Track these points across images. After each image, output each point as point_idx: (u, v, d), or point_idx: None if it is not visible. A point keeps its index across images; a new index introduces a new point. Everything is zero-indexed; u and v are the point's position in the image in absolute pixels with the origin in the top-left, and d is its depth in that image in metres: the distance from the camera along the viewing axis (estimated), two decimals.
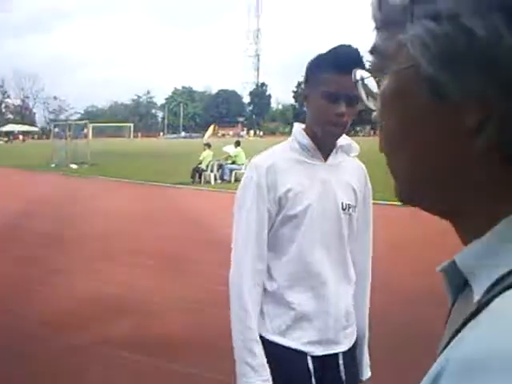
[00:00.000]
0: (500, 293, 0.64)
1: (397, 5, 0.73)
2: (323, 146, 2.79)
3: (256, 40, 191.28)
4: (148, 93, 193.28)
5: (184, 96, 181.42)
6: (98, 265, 10.84)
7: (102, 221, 16.06)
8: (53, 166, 39.26)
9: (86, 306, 8.23)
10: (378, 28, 0.78)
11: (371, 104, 0.84)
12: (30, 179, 31.66)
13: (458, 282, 0.75)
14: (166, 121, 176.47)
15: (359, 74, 0.87)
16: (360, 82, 0.87)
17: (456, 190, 0.73)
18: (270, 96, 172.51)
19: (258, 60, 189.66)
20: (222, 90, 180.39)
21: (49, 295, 8.79)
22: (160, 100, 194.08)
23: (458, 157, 0.71)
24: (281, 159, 2.79)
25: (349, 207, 2.81)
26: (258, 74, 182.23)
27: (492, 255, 0.69)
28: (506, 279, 0.65)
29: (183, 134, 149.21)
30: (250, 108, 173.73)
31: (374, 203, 3.05)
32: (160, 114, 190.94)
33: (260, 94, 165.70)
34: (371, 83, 0.86)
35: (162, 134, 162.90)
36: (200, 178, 26.77)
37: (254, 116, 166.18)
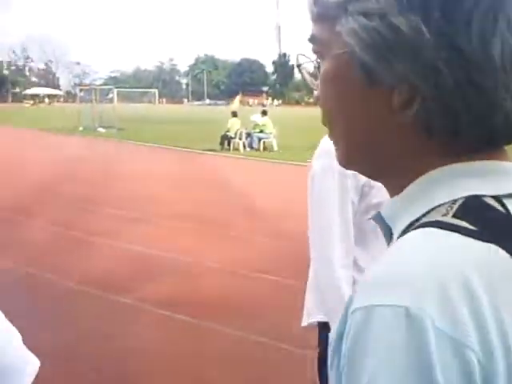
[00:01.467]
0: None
1: (331, 2, 0.86)
2: None
3: (277, 10, 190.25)
4: (171, 60, 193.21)
5: (207, 64, 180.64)
6: (135, 227, 11.05)
7: (135, 184, 16.21)
8: (81, 129, 39.29)
9: (126, 267, 8.45)
10: (314, 20, 0.92)
11: (314, 84, 0.96)
12: (60, 142, 31.79)
13: (387, 230, 0.90)
14: (190, 88, 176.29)
15: (302, 58, 0.99)
16: (302, 65, 0.99)
17: (385, 157, 0.87)
18: (293, 66, 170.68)
19: (279, 30, 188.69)
20: (244, 59, 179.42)
21: (89, 256, 8.99)
22: (183, 67, 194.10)
23: (386, 130, 0.84)
24: None
25: None
26: (279, 44, 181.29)
27: (407, 205, 0.84)
28: (416, 223, 0.80)
29: (208, 101, 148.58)
30: (274, 77, 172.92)
31: None
32: (184, 81, 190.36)
33: (283, 64, 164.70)
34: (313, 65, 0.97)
35: (186, 100, 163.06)
36: (229, 145, 26.82)
37: (277, 85, 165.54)
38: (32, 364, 2.40)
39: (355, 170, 0.96)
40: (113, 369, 5.39)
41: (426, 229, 0.77)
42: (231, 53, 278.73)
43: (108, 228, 10.83)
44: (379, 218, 0.90)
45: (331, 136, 0.94)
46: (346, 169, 0.97)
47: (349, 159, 0.93)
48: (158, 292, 7.34)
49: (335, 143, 0.94)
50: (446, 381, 0.67)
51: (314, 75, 0.97)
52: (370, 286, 0.75)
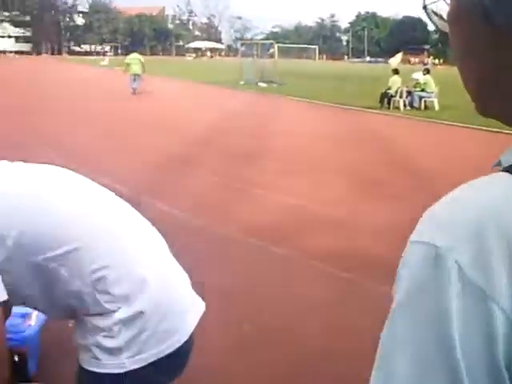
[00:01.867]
0: None
1: None
2: None
3: None
4: (332, 16, 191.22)
5: (368, 21, 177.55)
6: (292, 180, 11.20)
7: (294, 139, 16.32)
8: (242, 83, 39.81)
9: (283, 218, 8.63)
10: None
11: (445, 27, 0.91)
12: (222, 96, 32.55)
13: None
14: (350, 44, 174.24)
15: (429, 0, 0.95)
16: (429, 7, 0.96)
17: (509, 102, 0.82)
18: None
19: None
20: (406, 17, 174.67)
21: (247, 206, 9.23)
22: (343, 24, 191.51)
23: (504, 71, 0.79)
24: None
25: None
26: (445, 1, 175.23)
27: None
28: None
29: (368, 58, 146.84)
30: (436, 36, 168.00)
31: None
32: (344, 38, 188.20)
33: None
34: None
35: (346, 57, 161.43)
36: (389, 103, 26.18)
37: (439, 44, 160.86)
38: (199, 306, 2.60)
39: (491, 117, 0.89)
40: (266, 318, 5.47)
41: (499, 173, 0.76)
42: (393, 10, 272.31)
43: (267, 180, 11.04)
44: (499, 164, 0.84)
45: (462, 81, 0.89)
46: (484, 116, 0.92)
47: (480, 105, 0.88)
48: (314, 245, 7.42)
49: (467, 90, 0.88)
50: (462, 330, 0.65)
51: (443, 18, 0.93)
52: (420, 222, 0.75)
